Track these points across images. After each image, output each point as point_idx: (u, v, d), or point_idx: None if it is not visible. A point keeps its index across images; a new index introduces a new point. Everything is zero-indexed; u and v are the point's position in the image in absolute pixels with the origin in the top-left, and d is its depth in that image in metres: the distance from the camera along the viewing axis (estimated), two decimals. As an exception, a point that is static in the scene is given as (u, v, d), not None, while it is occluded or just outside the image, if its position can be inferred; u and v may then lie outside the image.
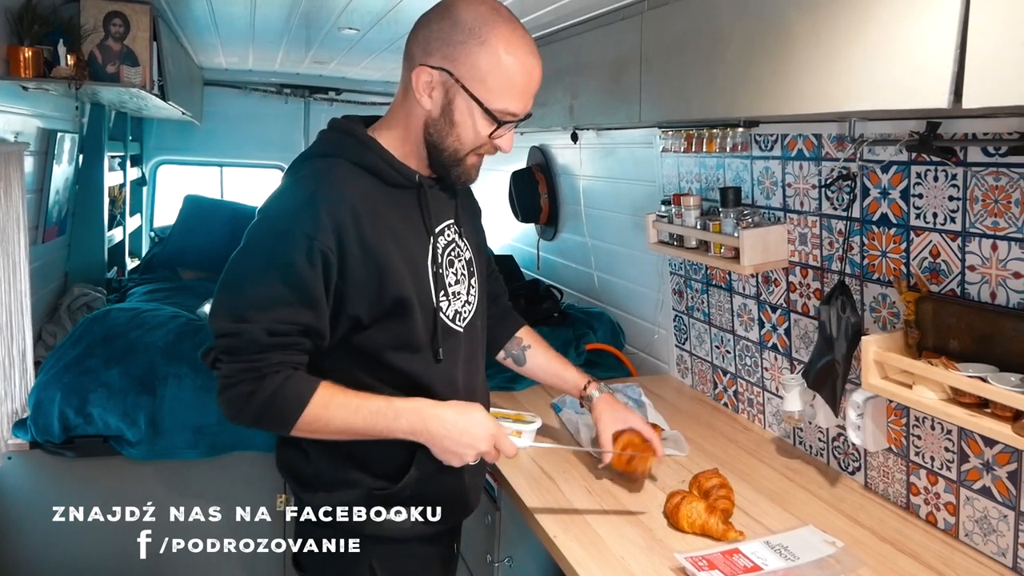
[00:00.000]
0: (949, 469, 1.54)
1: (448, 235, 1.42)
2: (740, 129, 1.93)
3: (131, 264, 4.09)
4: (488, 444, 1.35)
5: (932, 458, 1.58)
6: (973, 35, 1.03)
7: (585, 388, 1.70)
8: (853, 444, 1.71)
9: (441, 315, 1.37)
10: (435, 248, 1.37)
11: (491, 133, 1.31)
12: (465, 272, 1.44)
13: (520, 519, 1.71)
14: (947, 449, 1.54)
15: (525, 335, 1.73)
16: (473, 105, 1.28)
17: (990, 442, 1.44)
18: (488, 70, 1.26)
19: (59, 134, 2.79)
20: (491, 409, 1.69)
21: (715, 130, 1.97)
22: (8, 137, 2.33)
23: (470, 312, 1.44)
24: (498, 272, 1.74)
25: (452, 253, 1.42)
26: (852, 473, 1.81)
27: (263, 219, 1.28)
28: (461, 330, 1.42)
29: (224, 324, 1.24)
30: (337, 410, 1.29)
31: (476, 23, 1.26)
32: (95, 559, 2.22)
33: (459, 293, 1.42)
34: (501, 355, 1.72)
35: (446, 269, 1.39)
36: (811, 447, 1.94)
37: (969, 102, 1.04)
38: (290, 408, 1.26)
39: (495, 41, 1.26)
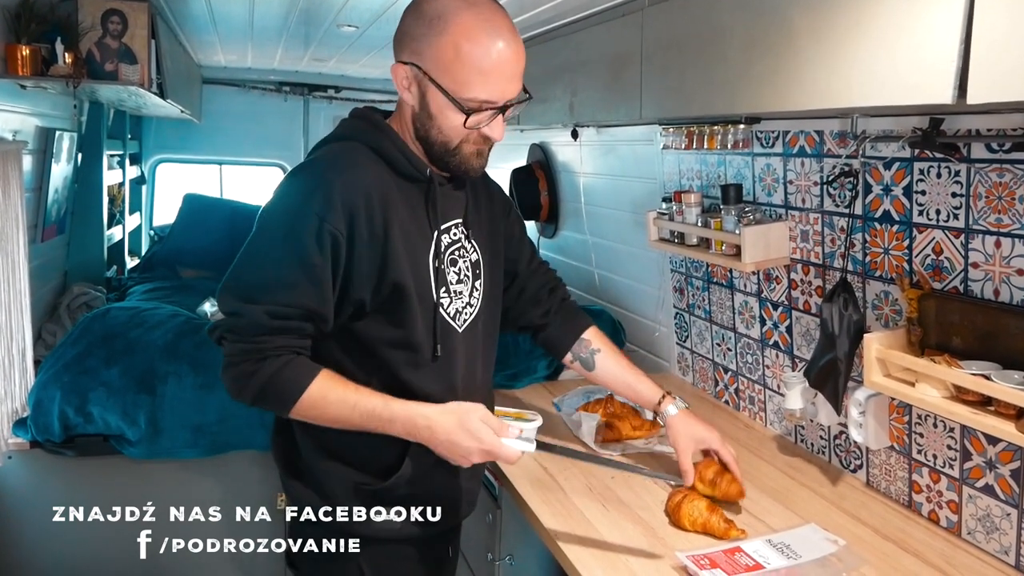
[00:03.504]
0: (951, 467, 1.53)
1: (454, 234, 1.41)
2: (741, 126, 1.92)
3: (130, 263, 4.09)
4: (480, 457, 1.30)
5: (934, 456, 1.57)
6: (978, 30, 1.02)
7: (660, 403, 1.63)
8: (855, 442, 1.70)
9: (441, 311, 1.36)
10: (438, 244, 1.37)
11: (465, 123, 1.28)
12: (469, 274, 1.43)
13: (521, 517, 1.70)
14: (949, 447, 1.53)
15: (593, 337, 1.67)
16: (442, 96, 1.27)
17: (993, 440, 1.43)
18: (451, 60, 1.25)
19: (57, 133, 2.79)
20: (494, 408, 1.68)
21: (716, 127, 1.96)
22: (6, 136, 2.32)
23: (471, 314, 1.44)
24: (545, 264, 1.70)
25: (456, 252, 1.41)
26: (854, 471, 1.80)
27: (277, 200, 1.31)
28: (460, 330, 1.41)
29: (231, 303, 1.28)
30: (334, 403, 1.30)
31: (436, 13, 1.25)
32: (95, 559, 2.22)
33: (460, 292, 1.41)
34: (568, 358, 1.67)
35: (448, 267, 1.38)
36: (813, 445, 1.93)
37: (974, 98, 1.03)
38: (288, 393, 1.28)
39: (454, 30, 1.24)
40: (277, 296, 1.25)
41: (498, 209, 1.56)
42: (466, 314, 1.43)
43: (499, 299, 1.54)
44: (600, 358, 1.66)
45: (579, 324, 1.69)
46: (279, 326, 1.26)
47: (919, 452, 1.61)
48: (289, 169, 1.42)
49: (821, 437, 1.90)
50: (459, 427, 1.28)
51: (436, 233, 1.36)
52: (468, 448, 1.28)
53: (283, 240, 1.26)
